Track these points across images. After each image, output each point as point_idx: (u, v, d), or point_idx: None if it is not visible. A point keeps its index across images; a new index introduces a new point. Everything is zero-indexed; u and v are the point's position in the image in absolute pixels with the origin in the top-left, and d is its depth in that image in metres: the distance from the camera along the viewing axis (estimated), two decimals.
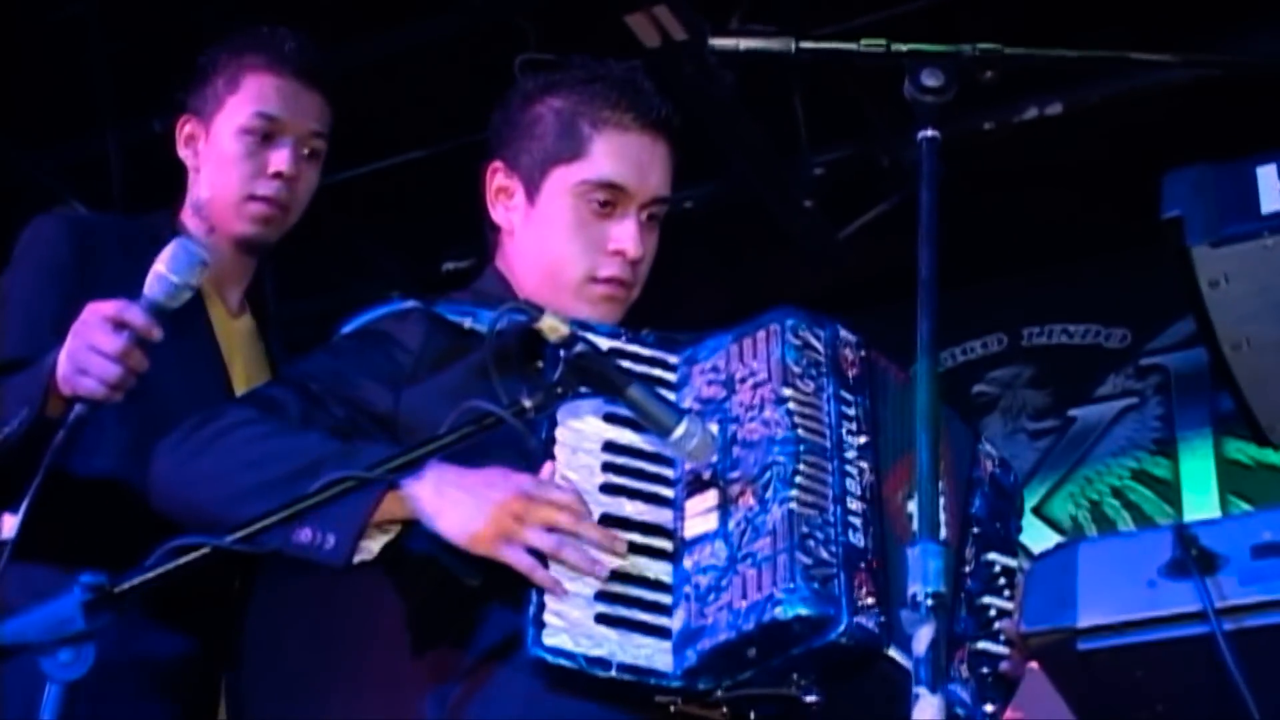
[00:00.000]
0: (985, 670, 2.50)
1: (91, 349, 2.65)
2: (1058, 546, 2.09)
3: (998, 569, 2.60)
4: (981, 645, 2.51)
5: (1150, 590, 1.94)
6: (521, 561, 2.35)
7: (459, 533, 2.39)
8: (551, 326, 2.37)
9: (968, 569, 2.57)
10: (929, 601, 1.89)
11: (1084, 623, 1.96)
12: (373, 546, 2.47)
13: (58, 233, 3.07)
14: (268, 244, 3.17)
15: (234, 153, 3.11)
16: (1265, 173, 2.21)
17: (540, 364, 2.49)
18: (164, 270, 2.68)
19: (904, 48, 2.31)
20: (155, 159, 3.27)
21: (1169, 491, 5.27)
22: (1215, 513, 5.07)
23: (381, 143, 5.54)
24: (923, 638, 1.88)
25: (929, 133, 2.29)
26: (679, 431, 2.38)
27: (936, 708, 1.84)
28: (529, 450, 2.43)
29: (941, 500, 2.55)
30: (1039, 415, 5.56)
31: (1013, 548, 2.67)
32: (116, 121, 5.16)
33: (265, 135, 3.11)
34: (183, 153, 3.20)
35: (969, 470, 2.70)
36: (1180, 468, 5.28)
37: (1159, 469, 5.33)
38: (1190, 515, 5.15)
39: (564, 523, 2.36)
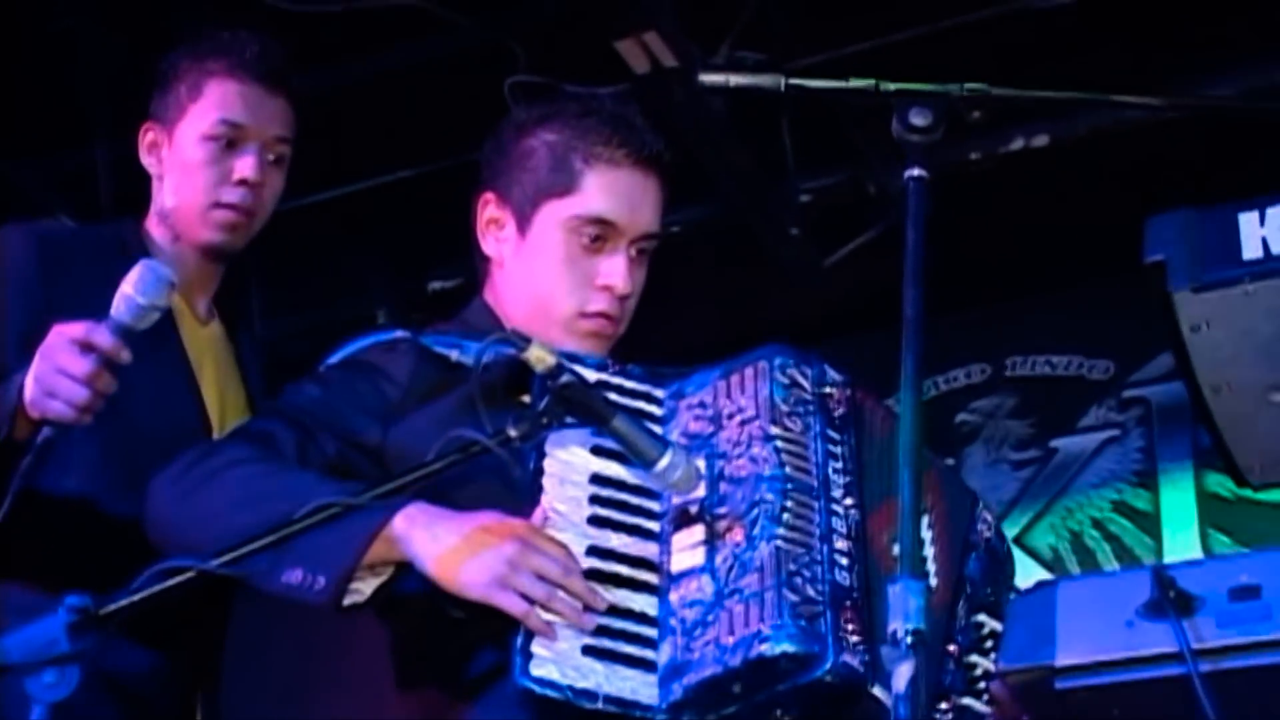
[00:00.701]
0: None
1: (59, 371, 2.64)
2: (1038, 585, 2.12)
3: (985, 631, 2.59)
4: (966, 701, 2.52)
5: (1128, 630, 1.96)
6: (516, 606, 2.35)
7: (452, 578, 2.40)
8: (539, 357, 2.38)
9: (959, 625, 2.58)
10: (909, 639, 1.92)
11: (1062, 661, 1.99)
12: (364, 589, 2.48)
13: (21, 246, 3.06)
14: (234, 251, 3.17)
15: (198, 160, 3.10)
16: (1247, 219, 2.24)
17: (527, 396, 2.50)
18: (131, 292, 2.67)
19: (892, 87, 2.33)
20: (144, 171, 3.26)
21: (1149, 523, 5.28)
22: (1195, 545, 5.08)
23: (370, 161, 5.55)
24: (902, 674, 1.90)
25: (916, 172, 2.31)
26: (663, 463, 2.40)
27: None
28: (514, 480, 2.44)
29: (933, 550, 2.59)
30: (1021, 445, 5.57)
31: (1001, 614, 2.66)
32: (106, 133, 5.16)
33: (229, 142, 3.10)
34: (145, 160, 3.19)
35: (967, 532, 2.72)
36: (1161, 500, 5.29)
37: (1140, 501, 5.34)
38: (1170, 548, 5.16)
39: (554, 574, 2.37)
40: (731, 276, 5.69)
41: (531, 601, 2.35)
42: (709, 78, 2.42)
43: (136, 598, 2.20)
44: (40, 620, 2.17)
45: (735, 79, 2.40)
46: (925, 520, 2.61)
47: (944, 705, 2.48)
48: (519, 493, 2.47)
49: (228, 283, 3.25)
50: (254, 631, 3.25)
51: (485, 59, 4.99)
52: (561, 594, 2.36)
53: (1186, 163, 4.91)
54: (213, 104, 3.11)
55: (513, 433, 2.35)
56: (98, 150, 5.16)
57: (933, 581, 2.57)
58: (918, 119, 2.33)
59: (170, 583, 2.22)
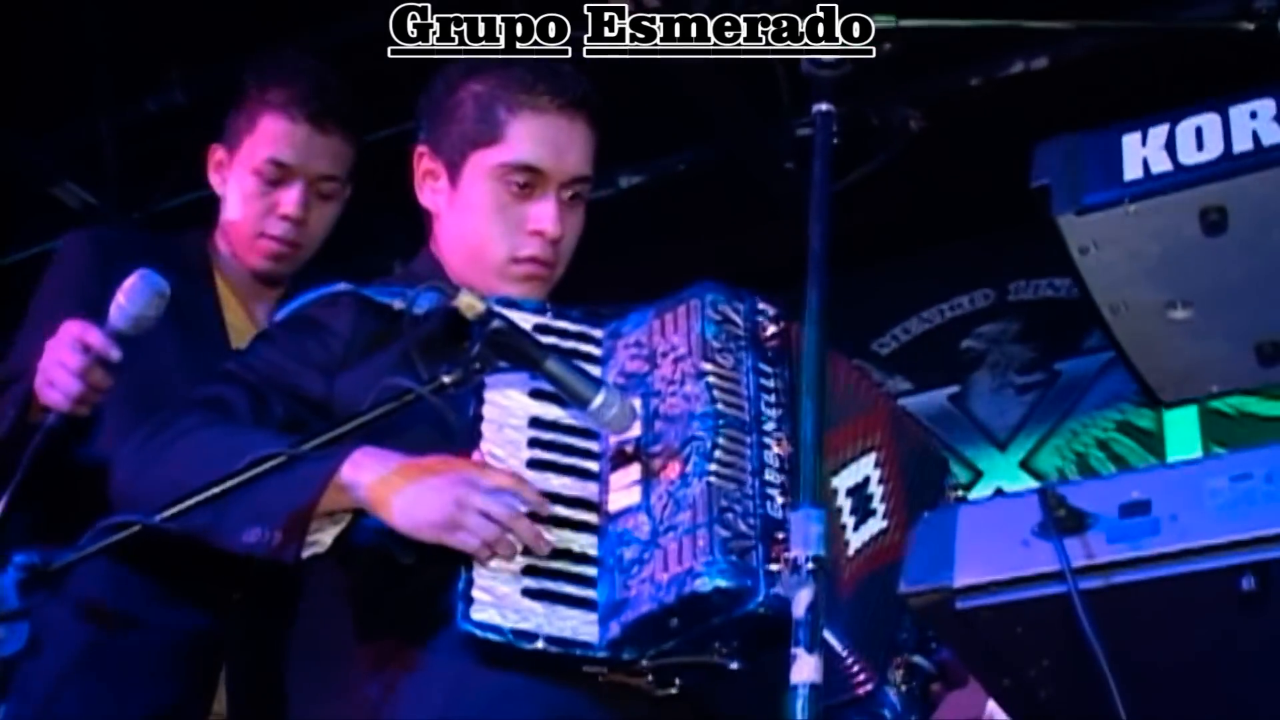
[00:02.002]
0: (915, 683, 2.55)
1: (59, 364, 2.79)
2: (939, 509, 2.14)
3: None
4: (917, 659, 2.56)
5: (1024, 549, 1.99)
6: (468, 542, 2.42)
7: (405, 520, 2.46)
8: (468, 304, 2.43)
9: None
10: (809, 565, 1.96)
11: (960, 582, 2.01)
12: (324, 539, 2.55)
13: (81, 250, 3.23)
14: (282, 276, 3.31)
15: (248, 191, 3.26)
16: (1130, 140, 2.26)
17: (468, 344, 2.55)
18: (122, 300, 2.79)
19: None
20: (149, 140, 3.35)
21: (1153, 442, 5.29)
22: None
23: (380, 114, 5.59)
24: (801, 600, 1.95)
25: (824, 106, 2.35)
26: (597, 401, 2.44)
27: (813, 668, 1.91)
28: (450, 426, 2.48)
29: (881, 489, 2.62)
30: (1026, 369, 5.58)
31: None
32: (110, 104, 5.23)
33: (276, 179, 3.23)
34: (212, 179, 3.36)
35: (935, 500, 2.74)
36: (1164, 418, 5.29)
37: (1143, 420, 5.35)
38: None
39: (500, 514, 2.42)
40: (733, 213, 5.72)
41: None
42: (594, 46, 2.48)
43: (83, 554, 2.28)
44: None
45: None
46: (872, 459, 2.65)
47: (896, 660, 2.51)
48: (455, 439, 2.52)
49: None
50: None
51: None
52: (520, 520, 2.43)
53: (1188, 80, 4.88)
54: (263, 140, 3.25)
55: (446, 379, 2.40)
56: (102, 122, 5.23)
57: (884, 524, 2.61)
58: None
59: (114, 538, 2.30)
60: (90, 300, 3.02)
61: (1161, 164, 2.26)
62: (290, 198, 3.23)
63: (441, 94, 2.86)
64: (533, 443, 2.55)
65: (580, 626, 2.43)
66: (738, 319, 2.60)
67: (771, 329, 2.63)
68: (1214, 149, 2.23)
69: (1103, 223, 2.30)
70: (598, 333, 2.67)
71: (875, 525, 2.59)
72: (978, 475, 5.47)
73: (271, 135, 3.24)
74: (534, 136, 2.78)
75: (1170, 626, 1.97)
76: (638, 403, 2.54)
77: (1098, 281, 2.38)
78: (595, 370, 2.60)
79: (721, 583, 2.35)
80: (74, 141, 5.49)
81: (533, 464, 2.53)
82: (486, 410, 2.55)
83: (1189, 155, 2.24)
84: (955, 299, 5.77)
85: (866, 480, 2.62)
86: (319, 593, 2.68)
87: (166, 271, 2.93)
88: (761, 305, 2.64)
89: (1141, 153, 2.26)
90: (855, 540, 2.54)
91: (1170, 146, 2.25)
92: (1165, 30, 3.58)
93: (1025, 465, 5.44)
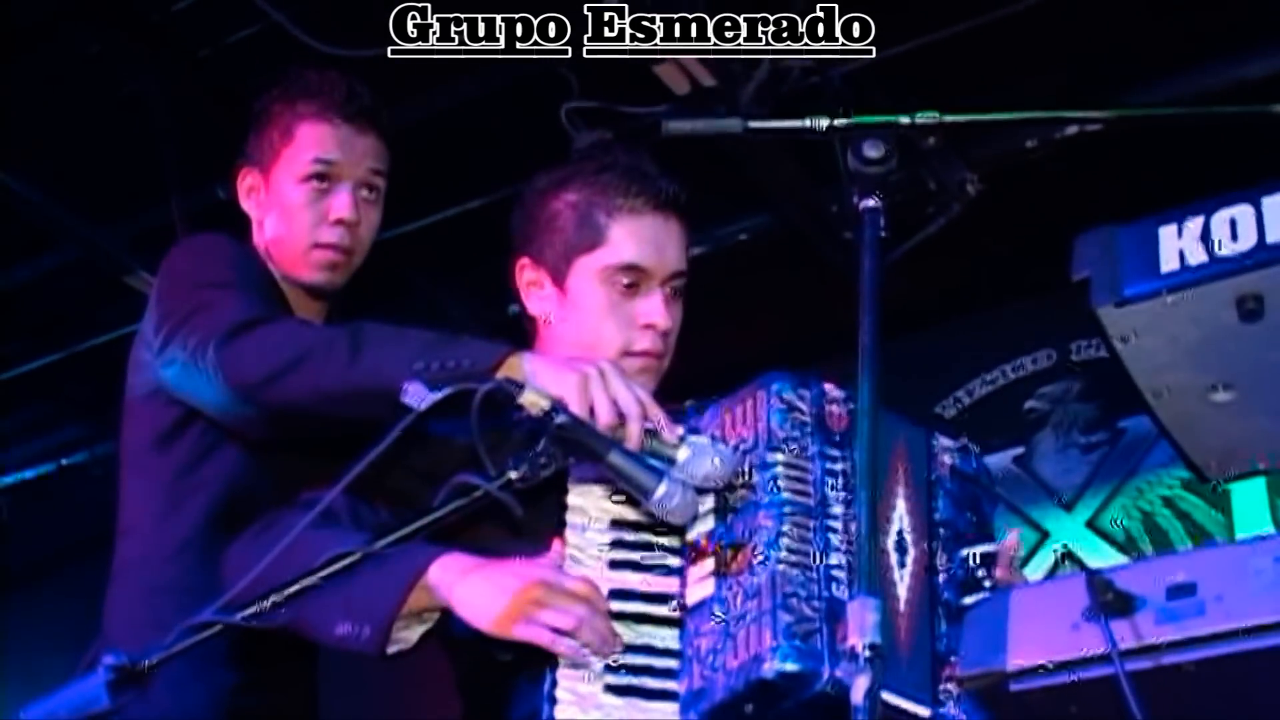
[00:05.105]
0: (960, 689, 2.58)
1: (613, 391, 2.65)
2: (991, 594, 2.20)
3: (975, 559, 2.65)
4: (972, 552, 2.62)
5: (1073, 632, 2.05)
6: (542, 636, 2.51)
7: (482, 619, 2.56)
8: (532, 401, 2.51)
9: (941, 578, 2.63)
10: (867, 653, 2.03)
11: (1013, 665, 2.08)
12: (410, 636, 2.65)
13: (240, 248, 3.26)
14: (335, 288, 3.31)
15: (295, 202, 3.24)
16: (1167, 232, 2.32)
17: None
18: (716, 461, 2.62)
19: (842, 122, 2.43)
20: (220, 226, 3.41)
21: (1219, 499, 5.27)
22: (1265, 517, 5.07)
23: (442, 193, 5.71)
24: (860, 687, 2.01)
25: (870, 203, 2.40)
26: (659, 492, 2.51)
27: None
28: (517, 522, 2.55)
29: (909, 521, 2.65)
30: (1090, 428, 5.57)
31: (988, 531, 2.75)
32: (181, 191, 5.35)
33: (323, 177, 3.23)
34: (244, 204, 3.33)
35: (926, 473, 2.75)
36: None
37: None
38: (1241, 522, 5.15)
39: (577, 612, 2.51)
40: (796, 282, 5.79)
41: (560, 632, 2.51)
42: (674, 125, 2.54)
43: (170, 653, 2.38)
44: (82, 679, 2.35)
45: (697, 124, 2.53)
46: (901, 497, 2.67)
47: (946, 672, 2.49)
48: (524, 535, 2.60)
49: (333, 318, 3.37)
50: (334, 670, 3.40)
51: (541, 88, 5.14)
52: (588, 624, 2.51)
53: (1247, 137, 4.93)
54: (305, 147, 3.25)
55: (513, 475, 2.49)
56: (174, 208, 5.35)
57: (914, 551, 2.63)
58: (871, 151, 2.42)
59: (200, 637, 2.40)
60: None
61: (1197, 255, 2.31)
62: (341, 202, 3.23)
63: (536, 206, 2.97)
64: (615, 544, 2.64)
65: (663, 719, 2.51)
66: (804, 405, 2.65)
67: (839, 412, 2.68)
68: (1248, 239, 2.28)
69: (1142, 313, 2.36)
70: (679, 429, 2.71)
71: (910, 558, 2.63)
72: (1045, 536, 5.48)
73: (314, 140, 3.24)
74: (635, 237, 2.90)
75: (1219, 705, 2.02)
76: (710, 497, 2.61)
77: (1139, 368, 2.44)
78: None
79: (786, 667, 2.41)
80: (146, 229, 5.62)
81: (615, 564, 2.62)
82: (569, 515, 2.65)
83: (1224, 246, 2.30)
84: (1017, 360, 5.80)
85: (901, 523, 2.66)
86: (417, 674, 2.78)
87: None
88: (829, 390, 2.68)
89: (1178, 244, 2.32)
90: (903, 589, 2.58)
91: (1206, 238, 2.31)
92: (1198, 116, 3.60)
93: (1091, 525, 5.43)
